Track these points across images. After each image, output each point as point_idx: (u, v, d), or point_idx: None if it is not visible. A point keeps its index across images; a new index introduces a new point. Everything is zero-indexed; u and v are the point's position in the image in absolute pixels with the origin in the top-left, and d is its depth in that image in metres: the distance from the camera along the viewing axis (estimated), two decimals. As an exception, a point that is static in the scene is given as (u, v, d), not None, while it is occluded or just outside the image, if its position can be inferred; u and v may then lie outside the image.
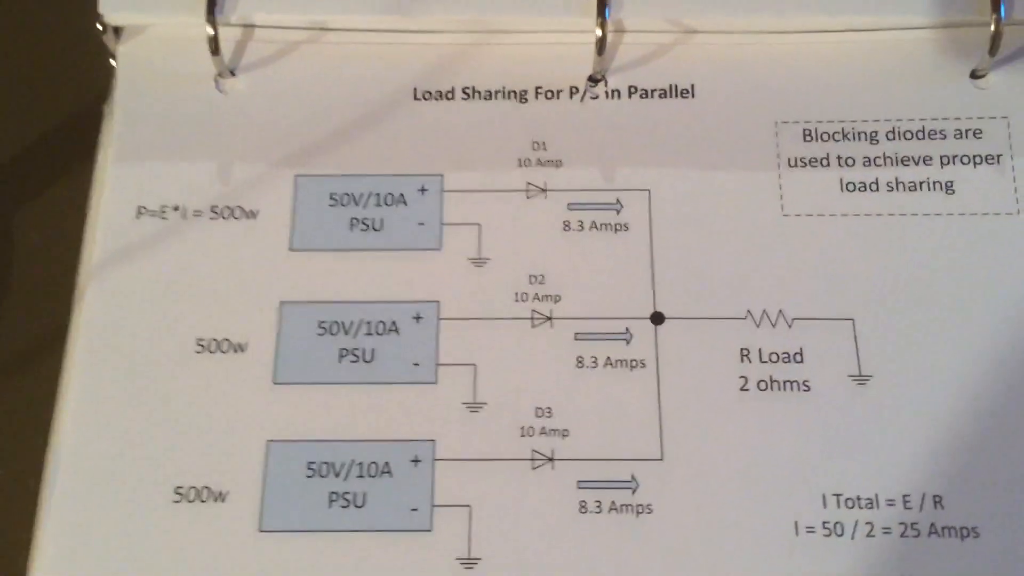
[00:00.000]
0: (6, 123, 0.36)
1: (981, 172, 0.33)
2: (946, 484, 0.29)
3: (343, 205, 0.33)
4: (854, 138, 0.33)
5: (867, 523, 0.29)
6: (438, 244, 0.32)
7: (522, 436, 0.30)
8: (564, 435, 0.30)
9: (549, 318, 0.31)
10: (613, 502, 0.30)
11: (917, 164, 0.33)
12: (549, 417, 0.30)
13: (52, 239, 0.34)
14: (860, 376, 0.30)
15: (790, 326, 0.31)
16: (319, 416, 0.31)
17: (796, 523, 0.29)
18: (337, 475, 0.30)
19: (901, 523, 0.29)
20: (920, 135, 0.33)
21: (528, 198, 0.33)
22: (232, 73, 0.34)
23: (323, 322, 0.32)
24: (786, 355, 0.31)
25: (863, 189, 0.33)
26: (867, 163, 0.33)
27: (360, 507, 0.30)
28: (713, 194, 0.33)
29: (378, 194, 0.33)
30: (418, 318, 0.32)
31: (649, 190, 0.33)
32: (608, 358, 0.31)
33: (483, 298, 0.32)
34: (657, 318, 0.31)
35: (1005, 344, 0.31)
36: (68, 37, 0.37)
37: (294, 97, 0.34)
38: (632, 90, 0.34)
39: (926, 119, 0.33)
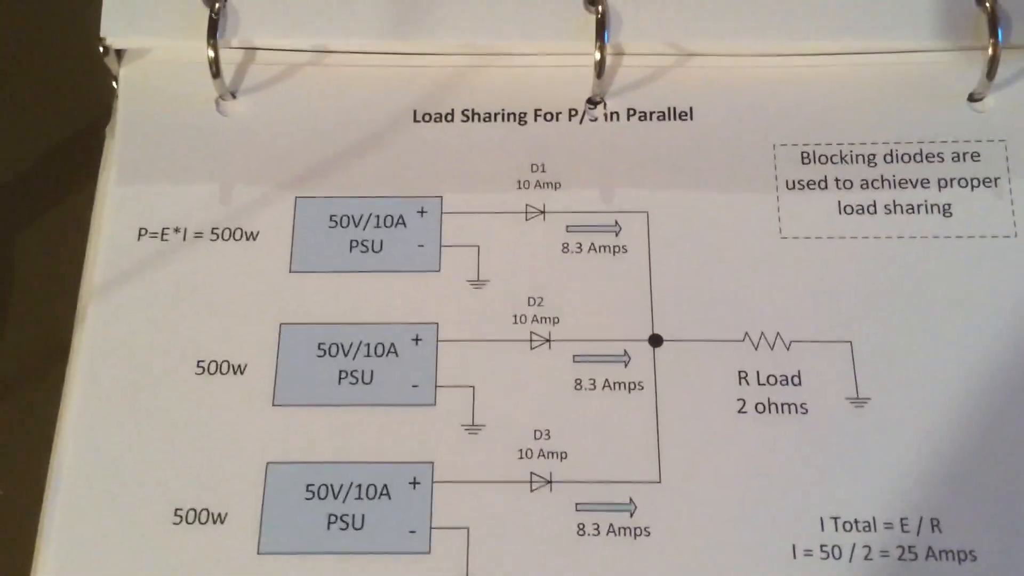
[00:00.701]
0: (8, 144, 0.36)
1: (979, 195, 0.33)
2: (944, 507, 0.29)
3: (343, 227, 0.33)
4: (852, 161, 0.33)
5: (865, 546, 0.29)
6: (437, 266, 0.32)
7: (520, 458, 0.30)
8: (562, 457, 0.30)
9: (548, 340, 0.32)
10: (611, 525, 0.30)
11: (915, 187, 0.33)
12: (547, 439, 0.30)
13: (53, 260, 0.34)
14: (858, 399, 0.31)
15: (788, 349, 0.31)
16: (318, 438, 0.31)
17: (794, 546, 0.29)
18: (336, 497, 0.30)
19: (899, 546, 0.29)
20: (918, 158, 0.33)
21: (527, 220, 0.33)
22: (233, 96, 0.34)
23: (322, 344, 0.32)
24: (784, 378, 0.31)
25: (861, 212, 0.33)
26: (865, 186, 0.33)
27: (359, 529, 0.30)
28: (711, 216, 0.33)
29: (378, 216, 0.33)
30: (417, 340, 0.32)
31: (647, 212, 0.33)
32: (606, 380, 0.31)
33: (482, 320, 0.32)
34: (655, 340, 0.31)
35: (1003, 367, 0.31)
36: (70, 59, 0.37)
37: (295, 119, 0.34)
38: (631, 112, 0.34)
39: (924, 142, 0.33)
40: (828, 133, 0.33)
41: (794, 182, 0.33)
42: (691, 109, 0.34)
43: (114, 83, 0.35)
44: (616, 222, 0.33)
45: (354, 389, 0.31)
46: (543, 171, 0.33)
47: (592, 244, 0.33)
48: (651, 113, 0.34)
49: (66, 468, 0.30)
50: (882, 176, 0.33)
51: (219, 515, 0.30)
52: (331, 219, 0.33)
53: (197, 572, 0.29)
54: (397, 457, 0.30)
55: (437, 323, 0.32)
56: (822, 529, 0.29)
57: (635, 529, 0.29)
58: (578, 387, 0.31)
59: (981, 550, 0.29)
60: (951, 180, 0.33)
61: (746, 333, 0.31)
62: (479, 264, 0.32)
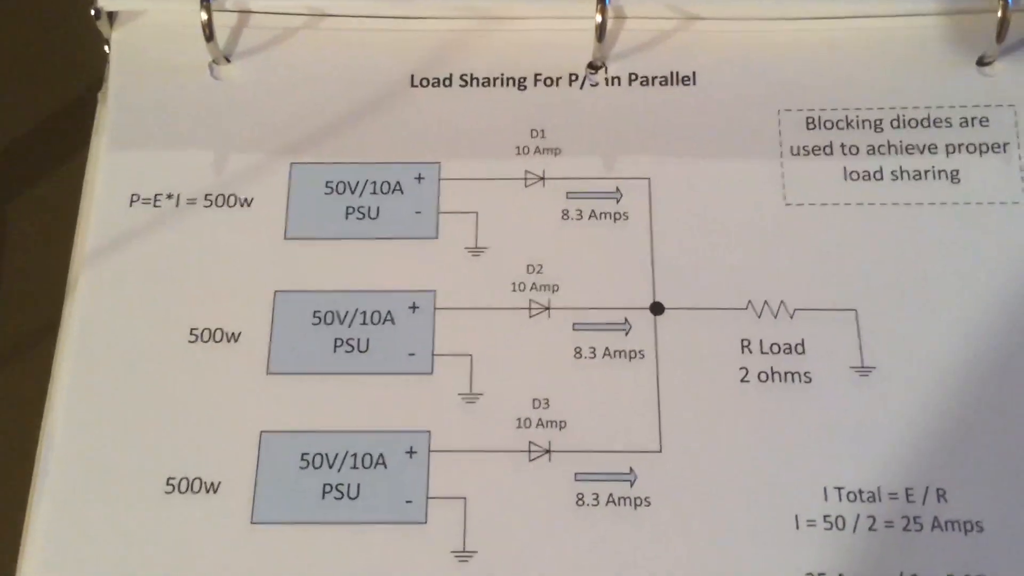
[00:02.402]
0: (-1, 111, 0.36)
1: (987, 161, 0.32)
2: (950, 477, 0.29)
3: (339, 193, 0.32)
4: (858, 126, 0.33)
5: (869, 516, 0.29)
6: (435, 233, 0.32)
7: (519, 427, 0.30)
8: (561, 427, 0.30)
9: (547, 308, 0.31)
10: (611, 495, 0.29)
11: (922, 153, 0.32)
12: (546, 408, 0.30)
13: (45, 228, 0.34)
14: (863, 367, 0.30)
15: (792, 317, 0.31)
16: (313, 407, 0.30)
17: (797, 516, 0.29)
18: (331, 466, 0.30)
19: (904, 517, 0.29)
20: (925, 123, 0.32)
21: (526, 186, 0.32)
22: (227, 60, 0.34)
23: (318, 311, 0.31)
24: (787, 346, 0.30)
25: (867, 178, 0.32)
26: (871, 152, 0.32)
27: (354, 499, 0.29)
28: (714, 183, 0.32)
29: (374, 182, 0.33)
30: (414, 308, 0.31)
31: (649, 179, 0.32)
32: (607, 349, 0.31)
33: (480, 287, 0.31)
34: (657, 308, 0.31)
35: (1010, 335, 0.30)
36: (62, 23, 0.36)
37: (290, 84, 0.34)
38: (632, 77, 0.33)
39: (931, 107, 0.33)
40: (834, 98, 0.33)
41: (799, 148, 0.32)
42: (694, 74, 0.33)
43: (106, 47, 0.34)
44: (617, 189, 0.32)
45: (350, 357, 0.31)
46: (543, 137, 0.33)
47: (593, 211, 0.32)
48: (653, 78, 0.33)
49: (58, 437, 0.30)
50: (889, 142, 0.32)
51: (212, 484, 0.29)
52: (327, 185, 0.32)
53: (190, 542, 0.29)
54: (393, 426, 0.30)
55: (434, 291, 0.31)
56: (826, 499, 0.29)
57: (635, 499, 0.29)
58: (578, 355, 0.31)
59: (988, 520, 0.28)
60: (959, 146, 0.32)
61: (749, 301, 0.31)
62: (477, 231, 0.32)
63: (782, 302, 0.31)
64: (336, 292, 0.31)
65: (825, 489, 0.29)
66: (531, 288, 0.31)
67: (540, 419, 0.30)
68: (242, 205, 0.32)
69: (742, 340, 0.30)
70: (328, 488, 0.29)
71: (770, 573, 0.28)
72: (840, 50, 0.33)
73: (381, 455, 0.30)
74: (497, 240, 0.32)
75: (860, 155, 0.32)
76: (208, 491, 0.29)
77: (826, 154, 0.32)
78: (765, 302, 0.31)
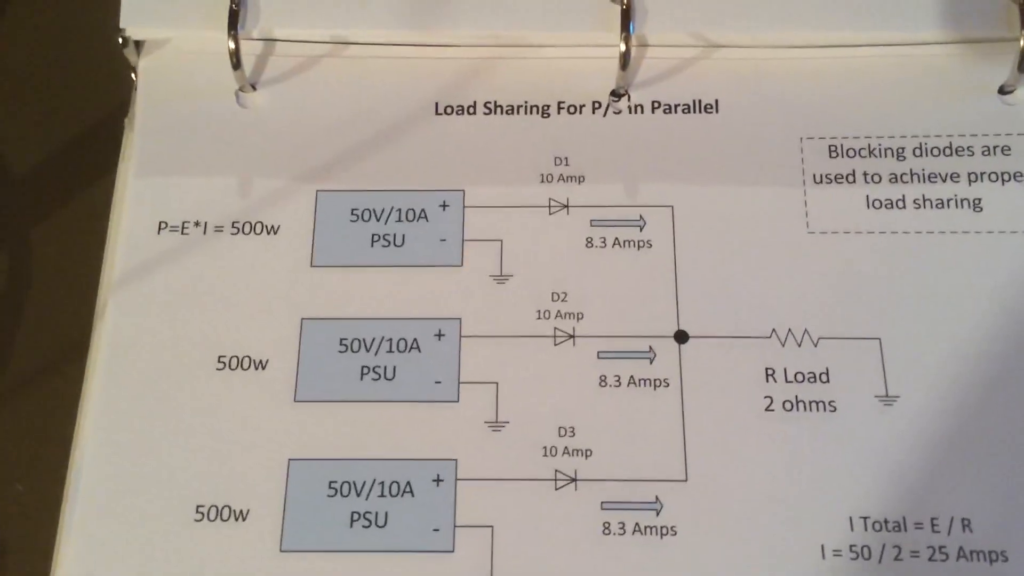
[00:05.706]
0: (26, 137, 0.36)
1: (1010, 189, 0.32)
2: (975, 507, 0.29)
3: (364, 221, 0.33)
4: (880, 154, 0.33)
5: (895, 547, 0.29)
6: (460, 260, 0.32)
7: (545, 456, 0.30)
8: (587, 455, 0.30)
9: (572, 336, 0.31)
10: (637, 524, 0.29)
11: (944, 181, 0.32)
12: (572, 436, 0.30)
13: (72, 255, 0.34)
14: (887, 397, 0.30)
15: (816, 345, 0.31)
16: (340, 434, 0.30)
17: (823, 547, 0.29)
18: (358, 494, 0.30)
19: (929, 547, 0.29)
20: (947, 152, 0.33)
21: (550, 214, 0.33)
22: (253, 87, 0.34)
23: (344, 339, 0.31)
24: (812, 375, 0.30)
25: (890, 206, 0.32)
26: (894, 180, 0.32)
27: (381, 527, 0.29)
28: (737, 211, 0.32)
29: (399, 210, 0.33)
30: (440, 335, 0.31)
31: (672, 206, 0.32)
32: (631, 377, 0.31)
33: (505, 315, 0.31)
34: (681, 336, 0.31)
35: (1034, 364, 0.30)
36: (89, 51, 0.37)
37: (315, 111, 0.34)
38: (655, 105, 0.34)
39: (953, 135, 0.33)
40: (856, 126, 0.33)
41: (821, 176, 0.33)
42: (716, 101, 0.34)
43: (133, 75, 0.35)
44: (641, 216, 0.32)
45: (376, 385, 0.31)
46: (566, 164, 0.33)
47: (616, 239, 0.32)
48: (676, 106, 0.34)
49: (87, 465, 0.30)
50: (911, 170, 0.32)
51: (241, 512, 0.30)
52: (352, 213, 0.33)
53: (219, 570, 0.29)
54: (420, 454, 0.30)
55: (460, 318, 0.31)
56: (851, 529, 0.29)
57: (661, 528, 0.29)
58: (603, 384, 0.31)
59: (1013, 551, 0.29)
60: (981, 174, 0.32)
61: (773, 330, 0.31)
62: (502, 259, 0.32)
63: (806, 331, 0.31)
64: (362, 319, 0.32)
65: (851, 519, 0.29)
66: (556, 316, 0.31)
67: (566, 447, 0.30)
68: (268, 232, 0.33)
69: (766, 369, 0.31)
70: (356, 516, 0.30)
71: (796, 603, 0.28)
72: (862, 78, 0.33)
73: (408, 483, 0.30)
74: (522, 268, 0.32)
75: (883, 183, 0.32)
76: (237, 518, 0.30)
77: (849, 182, 0.32)
78: (789, 330, 0.31)
